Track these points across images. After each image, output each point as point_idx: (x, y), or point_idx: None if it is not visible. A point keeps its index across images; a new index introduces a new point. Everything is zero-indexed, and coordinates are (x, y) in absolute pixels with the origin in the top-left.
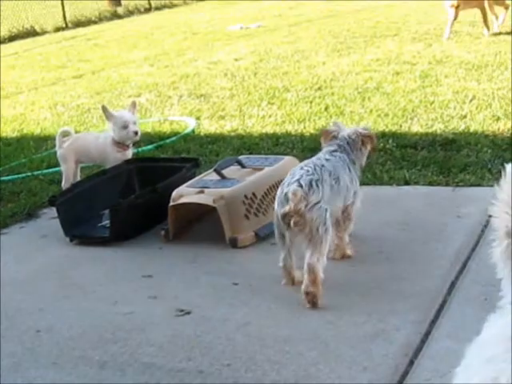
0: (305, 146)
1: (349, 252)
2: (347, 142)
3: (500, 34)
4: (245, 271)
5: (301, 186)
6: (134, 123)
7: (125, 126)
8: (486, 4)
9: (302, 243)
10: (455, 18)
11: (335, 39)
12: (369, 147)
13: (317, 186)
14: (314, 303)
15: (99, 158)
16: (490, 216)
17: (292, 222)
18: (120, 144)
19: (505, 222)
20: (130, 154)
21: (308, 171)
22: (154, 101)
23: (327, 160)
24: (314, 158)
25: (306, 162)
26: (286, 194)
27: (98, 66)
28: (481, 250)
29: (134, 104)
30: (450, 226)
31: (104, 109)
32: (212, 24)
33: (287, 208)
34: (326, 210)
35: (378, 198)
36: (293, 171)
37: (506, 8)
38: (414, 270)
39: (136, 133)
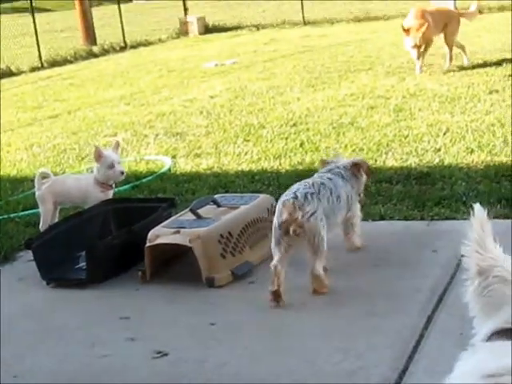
0: (280, 183)
1: (358, 244)
2: (344, 169)
3: (473, 66)
4: (222, 311)
5: (296, 197)
6: (119, 163)
7: (111, 166)
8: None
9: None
10: (419, 57)
11: (310, 74)
12: (364, 174)
13: (312, 198)
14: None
15: (81, 198)
16: (463, 256)
17: (291, 232)
18: (103, 184)
19: (476, 260)
20: (111, 193)
21: (306, 185)
22: (130, 140)
23: (329, 179)
24: (315, 176)
25: (307, 179)
26: (283, 204)
27: (74, 106)
28: (456, 284)
29: (117, 144)
30: (425, 261)
31: (96, 149)
32: (187, 61)
33: (284, 216)
34: (322, 219)
35: None
36: (292, 186)
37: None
38: (390, 305)
39: (122, 172)
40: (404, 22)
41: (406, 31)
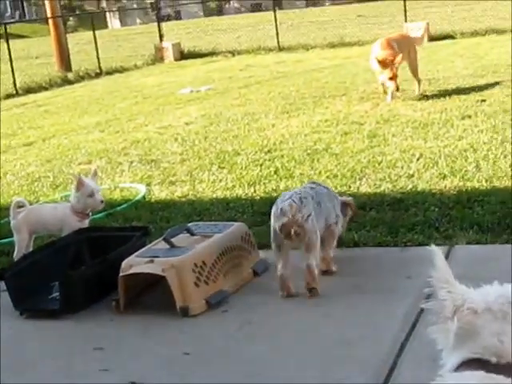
0: (255, 210)
1: (333, 268)
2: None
3: (446, 91)
4: (196, 340)
5: (294, 201)
6: (99, 192)
7: (91, 195)
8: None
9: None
10: (397, 88)
11: (284, 101)
12: (350, 213)
13: (306, 201)
14: (315, 294)
15: (57, 227)
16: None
17: (293, 232)
18: (80, 213)
19: (451, 299)
20: (87, 222)
21: (296, 192)
22: (105, 167)
23: (311, 188)
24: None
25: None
26: (281, 209)
27: (48, 133)
28: (429, 310)
29: (95, 172)
30: (399, 287)
31: (78, 178)
32: (163, 88)
33: (285, 219)
34: (316, 221)
35: None
36: (283, 194)
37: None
38: (364, 333)
39: (102, 201)
40: (374, 54)
41: (382, 63)
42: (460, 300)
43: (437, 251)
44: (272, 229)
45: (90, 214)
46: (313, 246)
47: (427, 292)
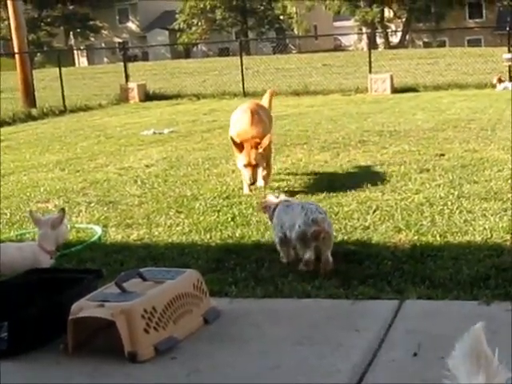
0: (209, 257)
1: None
2: None
3: (406, 144)
4: None
5: (323, 213)
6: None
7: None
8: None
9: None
10: (253, 182)
11: None
12: None
13: (326, 214)
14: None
15: (26, 267)
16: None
17: (321, 237)
18: (50, 250)
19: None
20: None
21: (316, 205)
22: (63, 207)
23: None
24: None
25: (303, 202)
26: (313, 219)
27: (8, 169)
28: (377, 365)
29: (63, 210)
30: (348, 341)
31: (63, 215)
32: (126, 128)
33: (317, 228)
34: None
35: (278, 311)
36: (307, 205)
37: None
38: None
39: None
40: (234, 129)
41: (238, 146)
42: None
43: (479, 330)
44: (299, 230)
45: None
46: (330, 245)
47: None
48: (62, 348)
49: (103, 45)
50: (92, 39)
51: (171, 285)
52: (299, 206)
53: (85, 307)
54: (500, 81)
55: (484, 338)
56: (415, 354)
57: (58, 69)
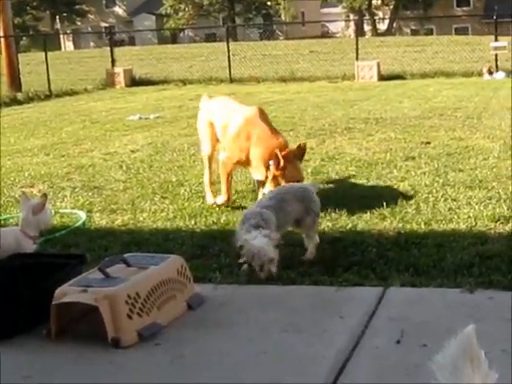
0: (194, 243)
1: None
2: None
3: (392, 132)
4: (127, 372)
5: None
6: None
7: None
8: None
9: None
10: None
11: None
12: None
13: None
14: None
15: (8, 253)
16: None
17: None
18: (33, 236)
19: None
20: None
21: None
22: (47, 192)
23: None
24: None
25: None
26: None
27: None
28: (361, 351)
29: (45, 195)
30: (331, 327)
31: (44, 200)
32: (112, 113)
33: None
34: None
35: (262, 298)
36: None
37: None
38: (294, 372)
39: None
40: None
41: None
42: None
43: (471, 333)
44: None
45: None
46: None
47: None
48: (44, 333)
49: (89, 29)
50: (78, 23)
51: (155, 270)
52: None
53: (68, 292)
54: (490, 72)
55: (475, 339)
56: (398, 342)
57: (43, 53)
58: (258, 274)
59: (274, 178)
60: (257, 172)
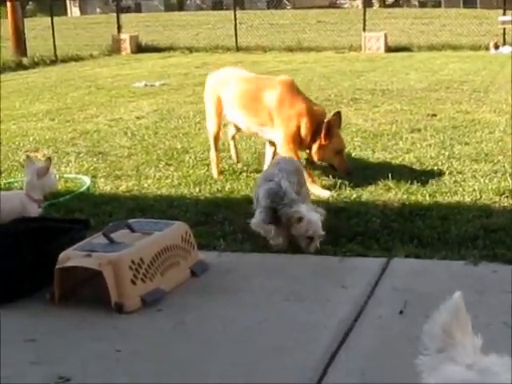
0: (199, 210)
1: None
2: None
3: (399, 103)
4: (129, 338)
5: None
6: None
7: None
8: None
9: None
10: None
11: None
12: None
13: None
14: None
15: (13, 217)
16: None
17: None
18: (37, 199)
19: (438, 341)
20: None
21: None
22: (52, 157)
23: None
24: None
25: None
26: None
27: None
28: (363, 321)
29: (49, 159)
30: (334, 296)
31: (48, 164)
32: (117, 79)
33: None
34: None
35: (266, 266)
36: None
37: None
38: (296, 341)
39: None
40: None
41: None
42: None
43: (459, 299)
44: None
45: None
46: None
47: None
48: (48, 298)
49: None
50: None
51: (159, 236)
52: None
53: (72, 257)
54: (496, 46)
55: (463, 306)
56: (401, 312)
57: (49, 18)
58: (304, 247)
59: (321, 147)
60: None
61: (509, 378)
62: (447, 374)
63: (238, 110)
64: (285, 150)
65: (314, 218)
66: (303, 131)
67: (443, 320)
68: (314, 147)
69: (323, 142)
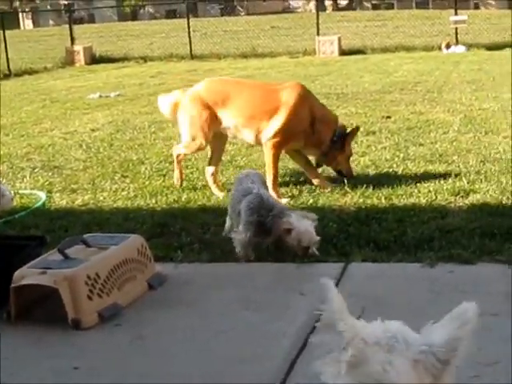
0: (155, 222)
1: None
2: None
3: (353, 106)
4: (86, 354)
5: None
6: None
7: (3, 195)
8: None
9: None
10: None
11: None
12: None
13: None
14: None
15: None
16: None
17: None
18: None
19: (346, 333)
20: None
21: None
22: (6, 173)
23: None
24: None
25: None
26: None
27: None
28: (321, 328)
29: None
30: (293, 304)
31: None
32: (72, 92)
33: None
34: None
35: (224, 276)
36: None
37: None
38: (255, 350)
39: (12, 199)
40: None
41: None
42: (353, 332)
43: (329, 283)
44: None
45: None
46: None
47: (317, 325)
48: (4, 316)
49: (49, 7)
50: (37, 1)
51: (115, 251)
52: None
53: (27, 275)
54: (448, 46)
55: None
56: (359, 317)
57: (1, 32)
58: (301, 255)
59: (340, 154)
60: (313, 149)
61: None
62: None
63: (243, 117)
64: (276, 149)
65: (306, 226)
66: (321, 137)
67: (333, 309)
68: (334, 155)
69: (345, 150)
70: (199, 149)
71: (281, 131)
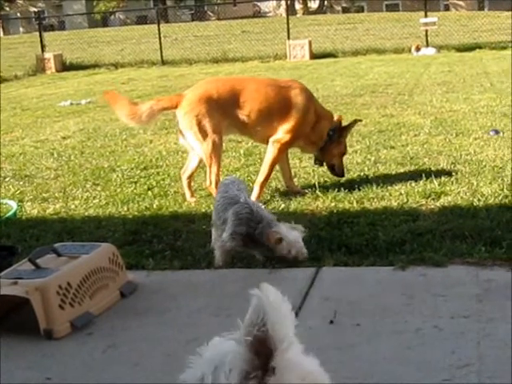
0: (126, 229)
1: None
2: None
3: None
4: (59, 364)
5: None
6: None
7: None
8: None
9: None
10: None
11: (164, 116)
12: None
13: None
14: None
15: None
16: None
17: None
18: None
19: None
20: None
21: None
22: None
23: None
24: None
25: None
26: None
27: None
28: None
29: None
30: None
31: None
32: (43, 99)
33: None
34: None
35: (195, 283)
36: None
37: None
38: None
39: None
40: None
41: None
42: None
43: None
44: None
45: None
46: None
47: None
48: None
49: (18, 14)
50: (7, 9)
51: (86, 259)
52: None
53: None
54: (418, 49)
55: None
56: (331, 322)
57: None
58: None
59: (335, 149)
60: (313, 146)
61: None
62: None
63: (251, 114)
64: (283, 150)
65: (295, 237)
66: (321, 134)
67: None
68: (329, 149)
69: (341, 143)
70: (215, 147)
71: (291, 131)
